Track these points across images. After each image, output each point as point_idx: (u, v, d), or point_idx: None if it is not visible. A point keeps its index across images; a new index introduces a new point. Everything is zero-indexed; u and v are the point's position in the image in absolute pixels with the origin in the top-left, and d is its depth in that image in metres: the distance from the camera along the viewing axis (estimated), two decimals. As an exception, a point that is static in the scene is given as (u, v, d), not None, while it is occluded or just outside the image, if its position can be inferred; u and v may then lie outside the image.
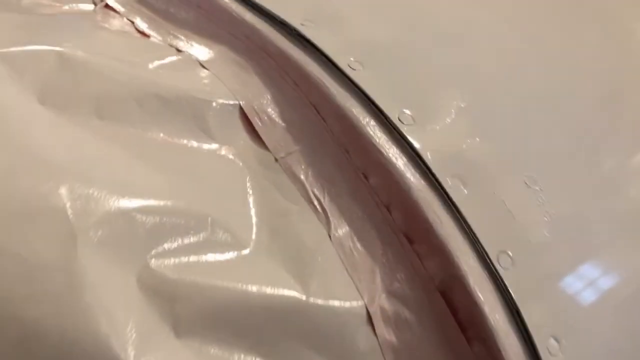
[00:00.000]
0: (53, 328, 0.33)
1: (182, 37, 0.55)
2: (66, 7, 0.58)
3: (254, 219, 0.43)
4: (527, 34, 0.60)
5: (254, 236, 0.42)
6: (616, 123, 0.58)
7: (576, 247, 0.47)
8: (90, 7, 0.60)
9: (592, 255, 0.48)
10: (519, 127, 0.52)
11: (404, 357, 0.43)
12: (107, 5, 0.60)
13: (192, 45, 0.54)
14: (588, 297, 0.46)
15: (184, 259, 0.39)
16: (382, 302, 0.44)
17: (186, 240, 0.40)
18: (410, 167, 0.46)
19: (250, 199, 0.44)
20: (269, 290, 0.40)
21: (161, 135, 0.45)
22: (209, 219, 0.41)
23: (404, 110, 0.48)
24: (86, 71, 0.44)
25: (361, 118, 0.47)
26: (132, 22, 0.57)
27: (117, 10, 0.59)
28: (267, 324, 0.40)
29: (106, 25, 0.57)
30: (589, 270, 0.47)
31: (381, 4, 0.57)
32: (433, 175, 0.45)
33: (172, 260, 0.39)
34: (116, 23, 0.58)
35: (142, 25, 0.56)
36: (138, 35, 0.56)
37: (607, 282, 0.48)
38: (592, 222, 0.49)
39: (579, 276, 0.46)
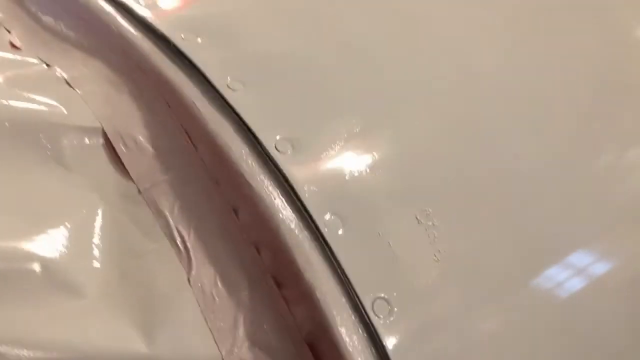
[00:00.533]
0: None
1: (57, 50, 0.51)
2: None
3: (98, 262, 0.39)
4: (432, 55, 0.56)
5: (95, 283, 0.38)
6: (525, 149, 0.53)
7: (466, 290, 0.43)
8: (-32, 14, 0.55)
9: (483, 299, 0.43)
10: (419, 155, 0.47)
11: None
12: (-12, 13, 0.55)
13: (65, 59, 0.50)
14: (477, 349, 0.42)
15: (9, 311, 0.35)
16: (244, 353, 0.39)
17: (13, 288, 0.36)
18: (284, 202, 0.41)
19: (98, 239, 0.40)
20: (105, 345, 0.36)
21: (5, 167, 0.40)
22: (41, 263, 0.37)
23: (284, 136, 0.43)
24: None
25: (233, 145, 0.43)
26: (9, 31, 0.53)
27: (-2, 18, 0.54)
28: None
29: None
30: (478, 316, 0.43)
31: (279, 16, 0.52)
32: (307, 212, 0.41)
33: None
34: (-6, 31, 0.53)
35: (16, 35, 0.51)
36: (10, 46, 0.51)
37: (502, 332, 0.43)
38: (487, 261, 0.45)
39: (465, 325, 0.42)
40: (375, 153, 0.46)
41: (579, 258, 0.53)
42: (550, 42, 0.65)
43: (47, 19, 0.53)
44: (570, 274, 0.51)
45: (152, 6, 0.51)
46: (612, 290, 0.53)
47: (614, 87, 0.65)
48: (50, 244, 0.38)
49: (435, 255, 0.43)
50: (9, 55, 0.48)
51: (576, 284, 0.52)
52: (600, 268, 0.55)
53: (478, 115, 0.54)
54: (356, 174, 0.44)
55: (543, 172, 0.54)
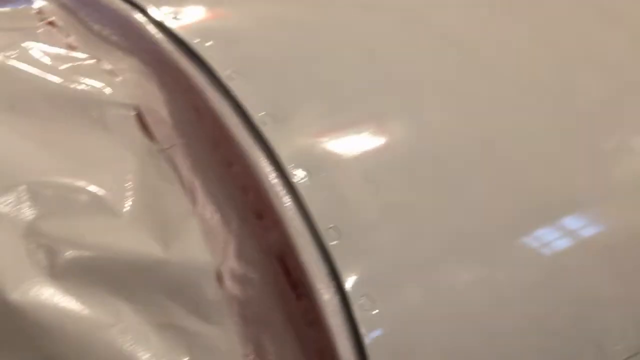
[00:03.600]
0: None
1: (104, 50, 0.67)
2: (14, 24, 0.70)
3: (131, 195, 0.55)
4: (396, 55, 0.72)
5: (127, 208, 0.54)
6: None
7: (397, 230, 0.58)
8: (35, 23, 0.72)
9: (412, 239, 0.58)
10: (367, 129, 0.63)
11: (247, 309, 0.54)
12: (50, 22, 0.72)
13: (109, 56, 0.66)
14: (402, 267, 0.56)
15: (64, 221, 0.51)
16: (232, 264, 0.55)
17: (68, 208, 0.52)
18: (265, 158, 0.57)
19: (131, 179, 0.56)
20: (132, 249, 0.52)
21: (63, 127, 0.57)
22: (91, 192, 0.53)
23: (267, 112, 0.59)
24: (5, 75, 0.56)
25: (229, 118, 0.58)
26: (67, 36, 0.69)
27: (58, 26, 0.71)
28: (130, 275, 0.51)
29: (45, 37, 0.69)
30: (407, 247, 0.57)
31: (267, 25, 0.69)
32: (281, 166, 0.57)
33: (54, 222, 0.50)
34: (55, 36, 0.70)
35: (73, 39, 0.68)
36: (68, 47, 0.68)
37: (423, 262, 0.58)
38: (417, 211, 0.60)
39: (395, 250, 0.57)
40: (336, 128, 0.62)
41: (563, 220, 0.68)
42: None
43: (96, 27, 0.70)
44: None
45: (175, 18, 0.67)
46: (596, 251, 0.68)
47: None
48: (97, 180, 0.54)
49: (376, 203, 0.58)
50: (69, 52, 0.65)
51: (555, 241, 0.66)
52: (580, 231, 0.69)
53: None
54: (320, 142, 0.60)
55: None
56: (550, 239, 0.69)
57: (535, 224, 0.67)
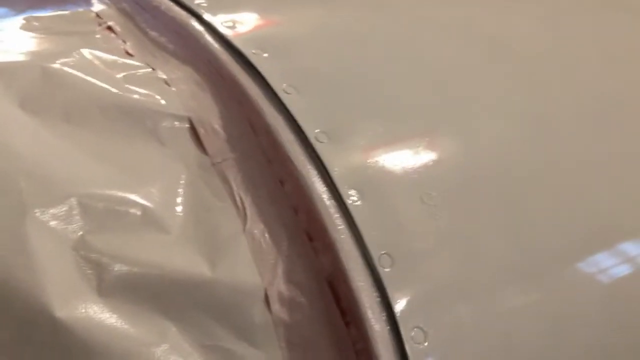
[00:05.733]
0: (-3, 277, 0.45)
1: (160, 58, 0.66)
2: (73, 28, 0.70)
3: (181, 211, 0.54)
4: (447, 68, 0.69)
5: (177, 224, 0.53)
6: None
7: (454, 258, 0.55)
8: (94, 27, 0.72)
9: (469, 267, 0.56)
10: (425, 148, 0.60)
11: (293, 333, 0.52)
12: (108, 27, 0.72)
13: (165, 65, 0.65)
14: (457, 297, 0.54)
15: (114, 236, 0.50)
16: (281, 286, 0.53)
17: (119, 222, 0.51)
18: (318, 178, 0.55)
19: (182, 194, 0.55)
20: (180, 267, 0.51)
21: (117, 138, 0.56)
22: (142, 207, 0.52)
23: (322, 130, 0.57)
24: (62, 83, 0.56)
25: (283, 135, 0.57)
26: (124, 42, 0.69)
27: (116, 31, 0.71)
28: (177, 294, 0.50)
29: (103, 43, 0.68)
30: (462, 277, 0.55)
31: (324, 40, 0.67)
32: (335, 186, 0.55)
33: (103, 236, 0.49)
34: (112, 41, 0.69)
35: (130, 46, 0.68)
36: (125, 53, 0.67)
37: (479, 292, 0.56)
38: (475, 237, 0.57)
39: (449, 280, 0.54)
40: (392, 147, 0.59)
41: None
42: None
43: (153, 34, 0.69)
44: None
45: (232, 28, 0.66)
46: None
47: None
48: (148, 195, 0.53)
49: (432, 228, 0.56)
50: (125, 60, 0.64)
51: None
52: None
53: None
54: (375, 161, 0.58)
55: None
56: (611, 265, 0.65)
57: (596, 250, 0.64)
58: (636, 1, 1.04)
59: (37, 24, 0.71)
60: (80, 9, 0.75)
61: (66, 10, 0.76)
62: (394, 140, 0.61)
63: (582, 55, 0.85)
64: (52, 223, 0.48)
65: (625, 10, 0.99)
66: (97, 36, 0.70)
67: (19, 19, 0.72)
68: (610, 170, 0.71)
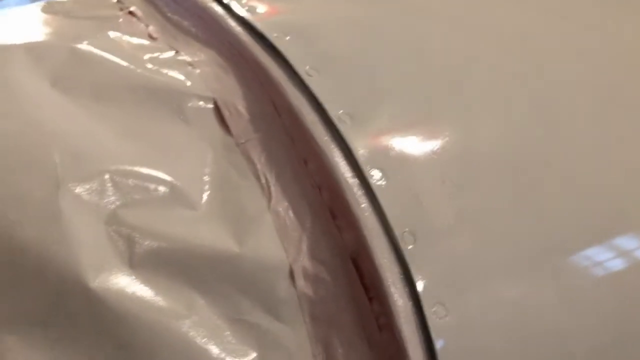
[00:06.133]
0: (33, 248, 0.46)
1: (182, 41, 0.67)
2: (95, 13, 0.71)
3: (207, 188, 0.55)
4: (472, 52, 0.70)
5: (205, 201, 0.54)
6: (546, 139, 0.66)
7: (474, 236, 0.56)
8: (116, 12, 0.73)
9: (487, 246, 0.57)
10: (445, 131, 0.61)
11: (317, 308, 0.54)
12: (130, 12, 0.73)
13: (188, 48, 0.66)
14: (477, 274, 0.55)
15: (144, 211, 0.51)
16: (305, 262, 0.54)
17: (148, 198, 0.52)
18: (342, 157, 0.56)
19: (208, 172, 0.56)
20: (208, 242, 0.52)
21: (145, 117, 0.57)
22: (170, 183, 0.53)
23: (345, 111, 0.58)
24: (90, 63, 0.57)
25: (307, 115, 0.58)
26: (147, 26, 0.70)
27: (138, 15, 0.72)
28: (205, 268, 0.52)
29: (126, 27, 0.70)
30: (482, 255, 0.56)
31: (344, 23, 0.68)
32: (358, 165, 0.56)
33: (134, 211, 0.51)
34: (135, 25, 0.70)
35: (152, 29, 0.69)
36: (148, 37, 0.68)
37: (499, 269, 0.57)
38: (495, 217, 0.58)
39: (469, 257, 0.55)
40: (413, 130, 0.61)
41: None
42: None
43: (175, 18, 0.70)
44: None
45: (254, 11, 0.67)
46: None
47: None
48: (175, 172, 0.54)
49: (453, 207, 0.57)
50: (149, 42, 0.66)
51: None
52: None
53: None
54: (397, 142, 0.59)
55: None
56: (630, 249, 0.67)
57: (616, 233, 0.65)
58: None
59: (59, 8, 0.72)
60: (102, -6, 0.76)
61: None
62: (415, 122, 0.62)
63: (589, 46, 0.86)
64: (85, 197, 0.49)
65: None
66: (120, 20, 0.71)
67: (40, 4, 0.73)
68: (621, 156, 0.72)
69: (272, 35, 0.63)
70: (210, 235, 0.52)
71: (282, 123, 0.60)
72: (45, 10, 0.70)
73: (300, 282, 0.54)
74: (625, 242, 0.67)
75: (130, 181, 0.52)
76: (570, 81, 0.76)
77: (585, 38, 0.87)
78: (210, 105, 0.60)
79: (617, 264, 0.65)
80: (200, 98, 0.60)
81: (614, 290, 0.63)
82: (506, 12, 0.84)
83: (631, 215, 0.67)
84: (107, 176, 0.51)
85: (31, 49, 0.56)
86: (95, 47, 0.60)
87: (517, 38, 0.78)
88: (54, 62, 0.56)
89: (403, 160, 0.58)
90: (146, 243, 0.50)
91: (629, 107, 0.78)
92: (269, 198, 0.57)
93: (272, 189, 0.57)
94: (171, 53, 0.65)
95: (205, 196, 0.54)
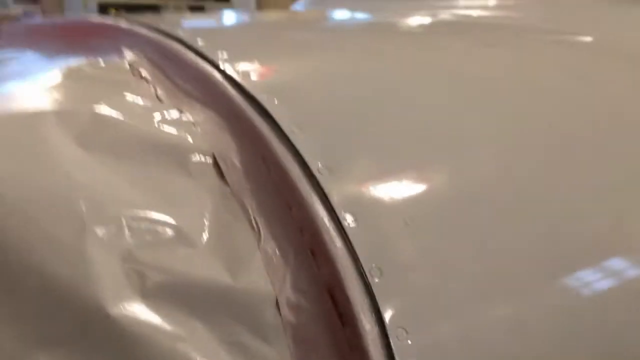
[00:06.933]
0: (63, 281, 0.56)
1: (186, 103, 0.78)
2: (111, 77, 0.82)
3: (206, 231, 0.65)
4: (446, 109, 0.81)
5: (204, 241, 0.64)
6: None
7: (433, 271, 0.67)
8: (129, 76, 0.84)
9: (445, 280, 0.67)
10: (409, 180, 0.72)
11: (299, 332, 0.63)
12: (140, 75, 0.84)
13: (190, 108, 0.77)
14: (435, 304, 0.65)
15: (153, 250, 0.61)
16: (289, 293, 0.64)
17: (157, 239, 0.62)
18: (320, 204, 0.67)
19: (207, 217, 0.66)
20: (207, 277, 0.62)
21: (154, 170, 0.68)
22: (175, 227, 0.64)
23: (323, 164, 0.69)
24: (108, 124, 0.68)
25: (291, 169, 0.69)
26: (155, 89, 0.81)
27: (147, 79, 0.83)
28: (204, 299, 0.61)
29: (138, 90, 0.81)
30: (440, 287, 0.66)
31: (327, 83, 0.79)
32: (334, 210, 0.66)
33: (145, 250, 0.61)
34: (145, 88, 0.82)
35: (160, 92, 0.80)
36: (156, 98, 0.79)
37: (454, 300, 0.67)
38: (452, 254, 0.69)
39: (429, 290, 0.65)
40: (381, 179, 0.71)
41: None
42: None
43: (179, 82, 0.81)
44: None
45: (247, 77, 0.78)
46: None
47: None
48: (179, 217, 0.65)
49: (414, 246, 0.67)
50: (157, 103, 0.77)
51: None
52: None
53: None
54: (367, 190, 0.69)
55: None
56: (584, 283, 0.76)
57: (570, 270, 0.75)
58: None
59: (82, 74, 0.83)
60: (116, 59, 0.87)
61: (99, 58, 0.89)
62: (383, 173, 0.72)
63: (560, 89, 0.98)
64: (106, 239, 0.59)
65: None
66: (132, 84, 0.82)
67: (62, 68, 0.84)
68: (581, 200, 0.82)
69: (262, 97, 0.74)
70: (208, 270, 0.62)
71: (270, 175, 0.70)
72: (67, 76, 0.81)
73: (285, 310, 0.64)
74: (584, 275, 0.76)
75: (143, 225, 0.62)
76: (531, 133, 0.87)
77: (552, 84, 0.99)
78: (210, 160, 0.71)
79: (570, 298, 0.74)
80: (201, 153, 0.71)
81: (566, 320, 0.72)
82: (473, 68, 0.96)
83: (586, 255, 0.76)
84: (123, 221, 0.61)
85: (59, 113, 0.67)
86: (112, 108, 0.71)
87: (482, 95, 0.90)
88: (78, 124, 0.67)
89: (372, 205, 0.68)
90: (155, 277, 0.60)
91: (584, 145, 0.89)
92: (259, 239, 0.67)
93: (262, 231, 0.67)
94: (176, 113, 0.76)
95: (204, 237, 0.64)
